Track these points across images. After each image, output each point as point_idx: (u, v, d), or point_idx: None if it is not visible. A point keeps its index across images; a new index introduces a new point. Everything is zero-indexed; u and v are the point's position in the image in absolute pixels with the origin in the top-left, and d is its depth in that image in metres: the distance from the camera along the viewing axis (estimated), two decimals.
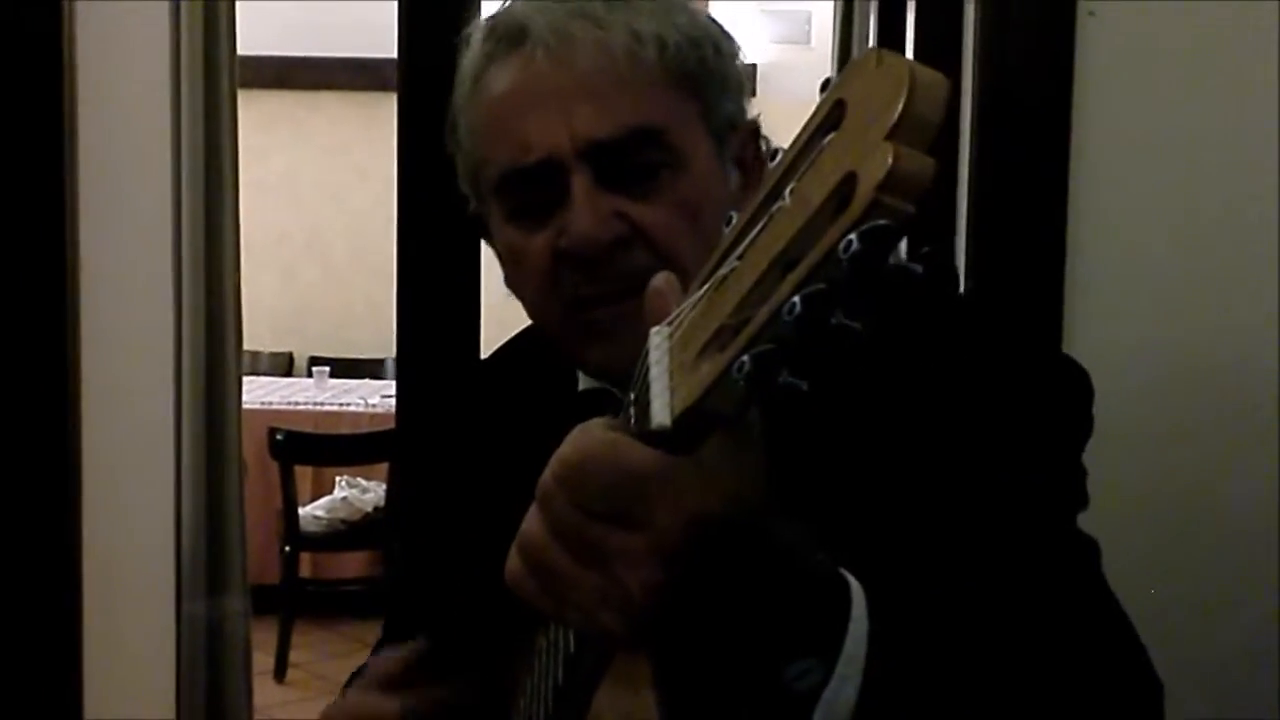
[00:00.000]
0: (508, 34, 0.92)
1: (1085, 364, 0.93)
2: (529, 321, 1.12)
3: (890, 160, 0.46)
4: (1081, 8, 1.60)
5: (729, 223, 0.60)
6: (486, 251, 1.73)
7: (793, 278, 0.49)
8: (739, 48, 0.98)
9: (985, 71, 1.54)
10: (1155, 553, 1.57)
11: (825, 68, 4.31)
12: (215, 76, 2.19)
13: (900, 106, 0.47)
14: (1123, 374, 1.57)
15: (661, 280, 0.65)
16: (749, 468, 0.63)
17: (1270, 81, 1.57)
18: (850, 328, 0.49)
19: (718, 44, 0.95)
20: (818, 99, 0.57)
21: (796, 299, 0.48)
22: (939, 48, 1.74)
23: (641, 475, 0.61)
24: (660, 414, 0.57)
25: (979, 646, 0.70)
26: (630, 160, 0.90)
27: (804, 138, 0.54)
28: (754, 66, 6.23)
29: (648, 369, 0.60)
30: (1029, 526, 0.82)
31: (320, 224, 6.88)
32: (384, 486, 4.51)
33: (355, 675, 1.15)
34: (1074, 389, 0.91)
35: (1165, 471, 1.60)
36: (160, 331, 1.76)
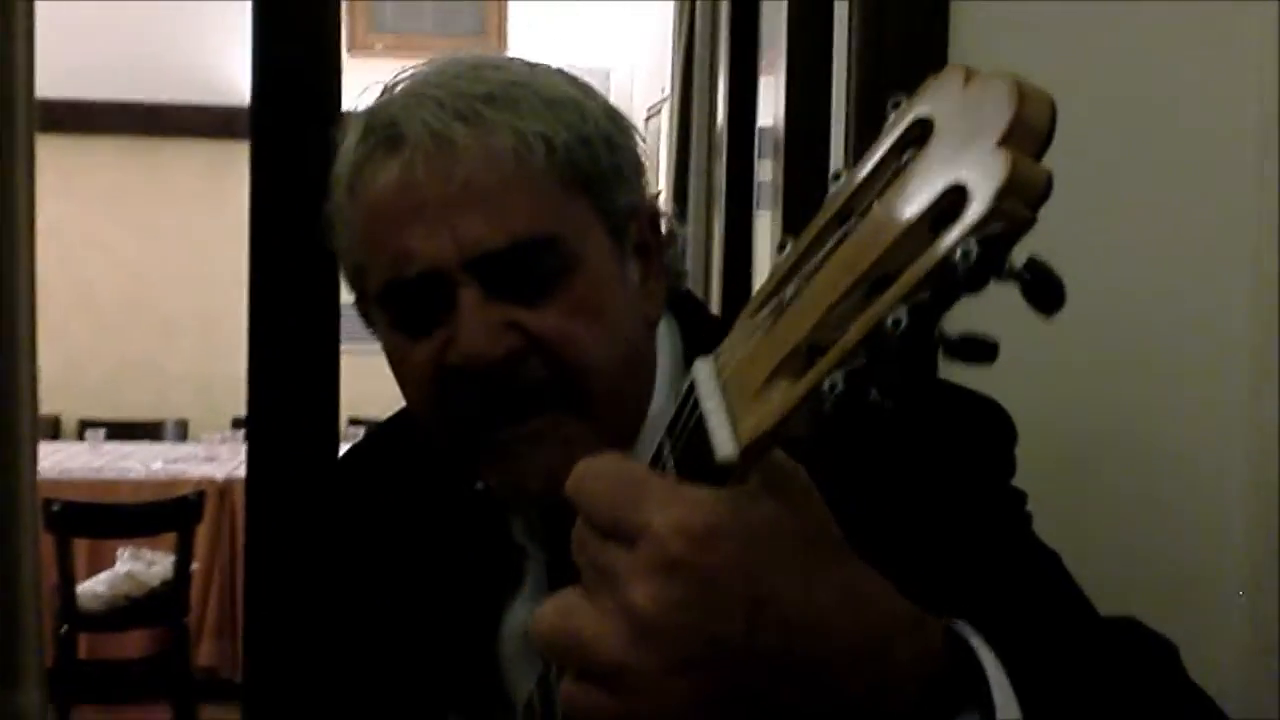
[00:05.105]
0: (384, 134, 0.85)
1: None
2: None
3: (1009, 166, 0.45)
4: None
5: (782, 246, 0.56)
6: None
7: (896, 290, 0.47)
8: (634, 131, 0.93)
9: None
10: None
11: None
12: (10, 122, 2.01)
13: (1011, 114, 0.46)
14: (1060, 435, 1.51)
15: None
16: (815, 513, 0.58)
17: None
18: (951, 340, 0.48)
19: (610, 138, 0.89)
20: None
21: (904, 311, 0.46)
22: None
23: (638, 480, 0.55)
24: (725, 446, 0.52)
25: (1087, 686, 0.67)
26: (521, 269, 0.84)
27: (875, 158, 0.52)
28: None
29: (694, 405, 0.55)
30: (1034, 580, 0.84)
31: (89, 277, 6.46)
32: (172, 558, 4.23)
33: None
34: (998, 436, 0.91)
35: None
36: None
